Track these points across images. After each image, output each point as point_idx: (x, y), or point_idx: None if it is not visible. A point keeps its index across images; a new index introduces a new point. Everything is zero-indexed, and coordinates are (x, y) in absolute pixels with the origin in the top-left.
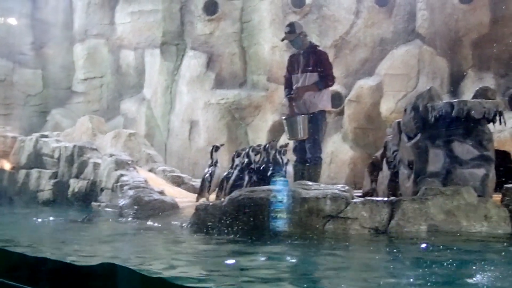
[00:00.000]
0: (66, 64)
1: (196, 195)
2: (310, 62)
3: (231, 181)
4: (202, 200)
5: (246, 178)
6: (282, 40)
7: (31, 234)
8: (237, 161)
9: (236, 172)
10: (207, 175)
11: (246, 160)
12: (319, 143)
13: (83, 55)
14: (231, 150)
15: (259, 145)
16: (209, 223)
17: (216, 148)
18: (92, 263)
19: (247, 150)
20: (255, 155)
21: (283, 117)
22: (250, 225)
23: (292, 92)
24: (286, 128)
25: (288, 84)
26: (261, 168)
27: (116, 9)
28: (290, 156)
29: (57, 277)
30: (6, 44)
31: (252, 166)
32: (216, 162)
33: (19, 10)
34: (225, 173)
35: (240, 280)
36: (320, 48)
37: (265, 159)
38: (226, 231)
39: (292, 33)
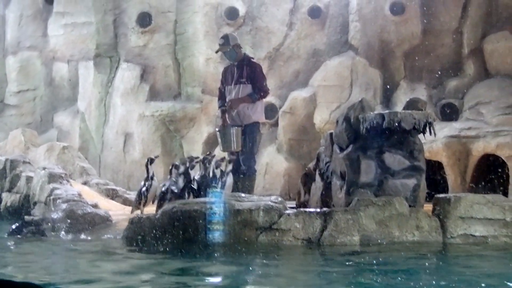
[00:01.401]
0: None
1: (131, 208)
2: (243, 74)
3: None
4: (137, 213)
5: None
6: (216, 52)
7: None
8: (181, 170)
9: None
10: (143, 188)
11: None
12: (253, 155)
13: (15, 68)
14: (166, 162)
15: (196, 157)
16: (141, 237)
17: (151, 161)
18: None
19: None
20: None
21: (217, 129)
22: (180, 238)
23: (225, 104)
24: (219, 140)
25: (222, 96)
26: (200, 181)
27: (49, 21)
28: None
29: None
30: None
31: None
32: (153, 175)
33: None
34: (164, 185)
35: None
36: (254, 60)
37: (203, 172)
38: (157, 244)
39: (226, 45)
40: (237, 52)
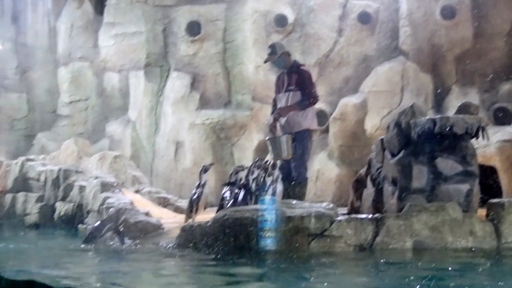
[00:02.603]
0: (50, 87)
1: (184, 216)
2: (292, 81)
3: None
4: (189, 222)
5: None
6: (265, 62)
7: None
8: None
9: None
10: (195, 196)
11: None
12: (304, 162)
13: (67, 78)
14: (217, 170)
15: (240, 166)
16: (192, 244)
17: (205, 169)
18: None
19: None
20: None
21: (267, 138)
22: (232, 245)
23: (275, 113)
24: (270, 148)
25: (275, 104)
26: (249, 187)
27: (100, 32)
28: None
29: None
30: None
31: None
32: (205, 183)
33: (2, 34)
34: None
35: None
36: (303, 67)
37: (253, 178)
38: (208, 251)
39: (274, 54)
40: (285, 60)
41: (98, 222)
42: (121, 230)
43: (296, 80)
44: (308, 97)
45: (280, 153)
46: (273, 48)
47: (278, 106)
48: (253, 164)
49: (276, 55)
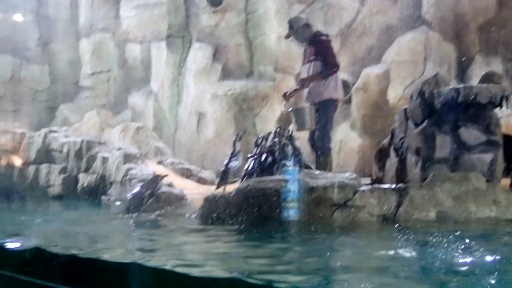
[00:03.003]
0: (72, 59)
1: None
2: (312, 52)
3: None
4: (221, 189)
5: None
6: (286, 38)
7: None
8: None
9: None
10: (229, 164)
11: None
12: (328, 132)
13: (89, 50)
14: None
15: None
16: (215, 214)
17: (239, 138)
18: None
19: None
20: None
21: (289, 109)
22: (255, 215)
23: (297, 83)
24: (293, 120)
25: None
26: (275, 153)
27: (121, 3)
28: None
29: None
30: (12, 41)
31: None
32: (239, 151)
33: (24, 6)
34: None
35: (244, 271)
36: (322, 37)
37: (275, 148)
38: (231, 221)
39: (291, 29)
40: (304, 32)
41: (137, 189)
42: (160, 196)
43: (315, 50)
44: (329, 66)
45: (303, 124)
46: (289, 23)
47: (301, 77)
48: (276, 132)
49: (293, 31)
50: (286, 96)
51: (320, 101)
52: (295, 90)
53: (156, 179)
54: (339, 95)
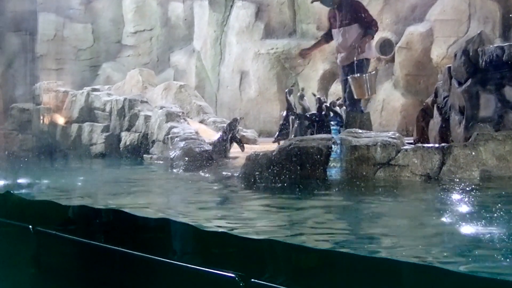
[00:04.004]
0: (115, 17)
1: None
2: (346, 16)
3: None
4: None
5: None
6: (312, 2)
7: None
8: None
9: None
10: (289, 116)
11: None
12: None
13: (132, 8)
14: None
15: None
16: (258, 173)
17: (290, 92)
18: (148, 215)
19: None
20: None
21: (349, 76)
22: (298, 174)
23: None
24: (352, 87)
25: (323, 40)
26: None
27: None
28: None
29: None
30: (55, 0)
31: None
32: (294, 105)
33: None
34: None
35: (289, 230)
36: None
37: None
38: (274, 180)
39: None
40: None
41: (217, 136)
42: (239, 138)
43: (350, 14)
44: (372, 25)
45: (364, 91)
46: None
47: (336, 41)
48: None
49: None
50: (302, 54)
51: (355, 61)
52: (315, 46)
53: (235, 121)
54: (373, 54)
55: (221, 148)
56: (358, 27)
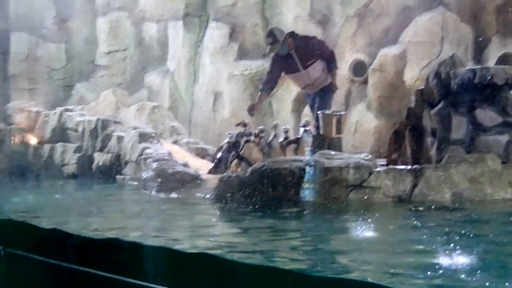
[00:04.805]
0: (89, 37)
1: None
2: (308, 57)
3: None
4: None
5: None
6: (268, 53)
7: None
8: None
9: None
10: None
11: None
12: None
13: (105, 28)
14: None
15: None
16: (230, 194)
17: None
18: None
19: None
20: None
21: (319, 112)
22: (270, 195)
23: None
24: (321, 123)
25: (269, 80)
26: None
27: None
28: None
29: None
30: (29, 19)
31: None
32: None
33: None
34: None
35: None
36: (309, 38)
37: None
38: (246, 202)
39: (276, 42)
40: (288, 43)
41: (220, 154)
42: (244, 156)
43: (311, 52)
44: (334, 59)
45: (330, 130)
46: (273, 37)
47: (303, 82)
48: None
49: (279, 43)
50: (249, 111)
51: (324, 86)
52: (260, 100)
53: (238, 139)
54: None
55: (223, 165)
56: (320, 61)
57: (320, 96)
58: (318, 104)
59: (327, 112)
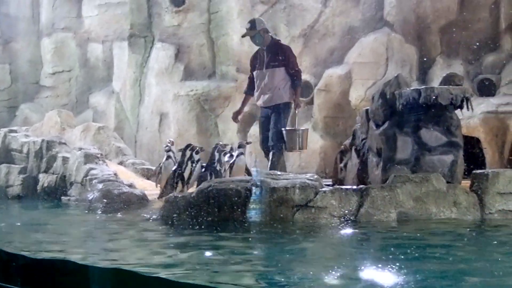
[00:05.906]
0: (34, 58)
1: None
2: (274, 58)
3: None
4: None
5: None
6: (243, 36)
7: None
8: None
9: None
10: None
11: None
12: (281, 133)
13: (50, 49)
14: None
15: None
16: (176, 215)
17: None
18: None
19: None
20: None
21: (283, 128)
22: (216, 216)
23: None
24: (286, 139)
25: (252, 83)
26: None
27: (83, 2)
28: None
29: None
30: None
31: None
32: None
33: None
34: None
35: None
36: (283, 43)
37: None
38: (192, 222)
39: (253, 29)
40: (263, 36)
41: (203, 170)
42: (218, 169)
43: (280, 56)
44: (296, 73)
45: (295, 145)
46: (252, 23)
47: (261, 83)
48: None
49: (255, 31)
50: (233, 118)
51: (280, 103)
52: (243, 105)
53: (219, 152)
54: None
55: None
56: (285, 71)
57: (277, 112)
58: (274, 121)
59: (290, 128)
